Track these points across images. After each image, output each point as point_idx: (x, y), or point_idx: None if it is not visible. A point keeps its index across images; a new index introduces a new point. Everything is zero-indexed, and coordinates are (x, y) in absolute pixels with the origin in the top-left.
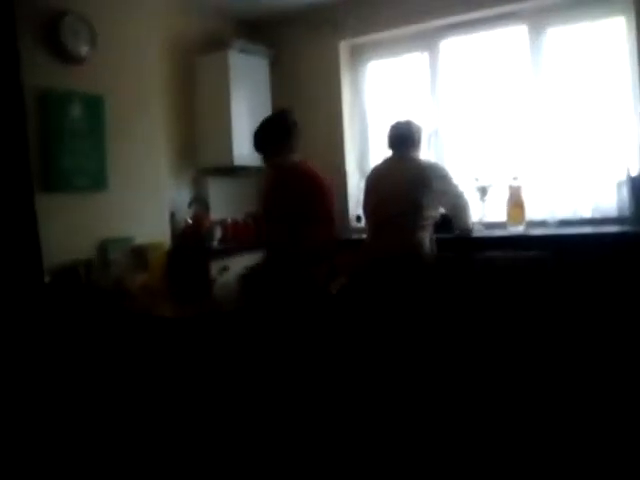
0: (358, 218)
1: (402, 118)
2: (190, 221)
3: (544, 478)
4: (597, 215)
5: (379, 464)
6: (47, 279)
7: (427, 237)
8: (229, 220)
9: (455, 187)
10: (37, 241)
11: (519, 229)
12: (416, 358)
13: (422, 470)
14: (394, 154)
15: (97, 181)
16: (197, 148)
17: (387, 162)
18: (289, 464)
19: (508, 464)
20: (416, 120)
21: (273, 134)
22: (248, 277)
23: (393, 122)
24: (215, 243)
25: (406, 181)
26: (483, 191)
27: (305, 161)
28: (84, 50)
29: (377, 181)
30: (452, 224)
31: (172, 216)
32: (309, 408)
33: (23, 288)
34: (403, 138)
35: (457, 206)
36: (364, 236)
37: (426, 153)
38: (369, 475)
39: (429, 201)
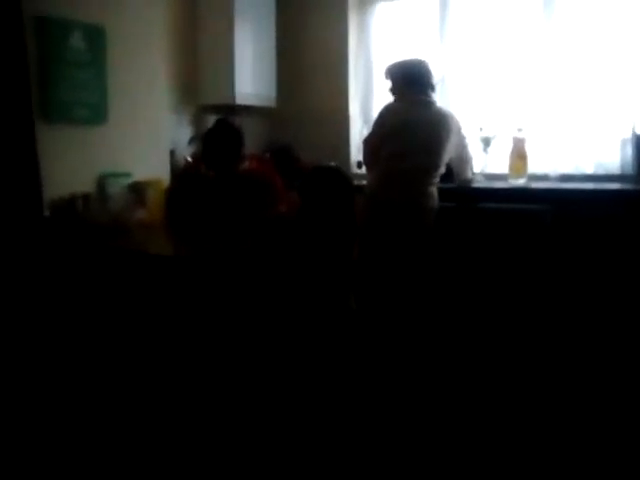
0: (359, 164)
1: (415, 57)
2: (190, 159)
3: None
4: (599, 172)
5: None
6: (45, 212)
7: (435, 189)
8: None
9: (464, 140)
10: (37, 172)
11: (520, 182)
12: (419, 310)
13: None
14: (410, 96)
15: (97, 114)
16: (199, 85)
17: (406, 106)
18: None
19: (504, 435)
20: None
21: (234, 146)
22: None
23: (403, 60)
24: None
25: (429, 134)
26: (487, 141)
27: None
28: None
29: (396, 129)
30: (453, 174)
31: (172, 153)
32: (307, 356)
33: (23, 220)
34: (421, 78)
35: (462, 159)
36: (364, 182)
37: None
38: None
39: (447, 155)
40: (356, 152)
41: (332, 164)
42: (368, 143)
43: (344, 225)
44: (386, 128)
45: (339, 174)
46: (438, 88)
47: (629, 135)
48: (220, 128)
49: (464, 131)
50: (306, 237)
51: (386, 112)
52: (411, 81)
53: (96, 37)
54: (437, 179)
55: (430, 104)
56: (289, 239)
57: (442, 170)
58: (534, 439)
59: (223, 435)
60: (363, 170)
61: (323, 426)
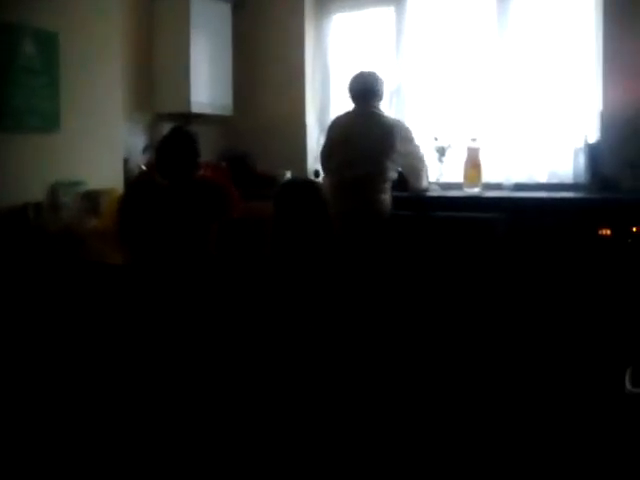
0: (316, 173)
1: (365, 69)
2: (144, 167)
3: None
4: (553, 180)
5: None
6: None
7: (387, 197)
8: None
9: (417, 148)
10: None
11: (475, 190)
12: (369, 312)
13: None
14: (358, 108)
15: (49, 121)
16: (154, 93)
17: (351, 117)
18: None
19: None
20: (378, 72)
21: (189, 154)
22: None
23: (356, 73)
24: None
25: (372, 142)
26: (441, 151)
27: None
28: None
29: (341, 139)
30: (407, 183)
31: (126, 162)
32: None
33: None
34: (367, 90)
35: (415, 168)
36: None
37: (387, 110)
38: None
39: (392, 164)
40: (313, 161)
41: (307, 178)
42: (320, 155)
43: (317, 236)
44: (332, 139)
45: (313, 188)
46: (393, 98)
47: (581, 144)
48: (175, 136)
49: (417, 140)
50: (279, 248)
51: (333, 124)
52: (358, 93)
53: (49, 43)
54: (386, 187)
55: (374, 114)
56: (260, 247)
57: (390, 178)
58: (523, 438)
59: (216, 431)
60: (320, 179)
61: (315, 422)
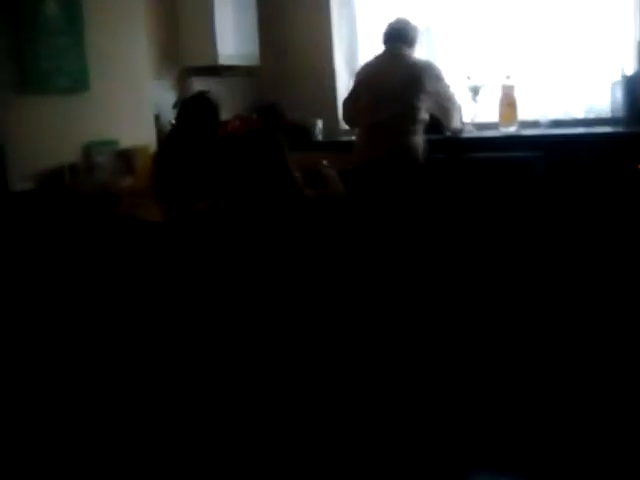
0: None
1: (400, 16)
2: (175, 123)
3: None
4: (590, 115)
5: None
6: (30, 185)
7: (420, 139)
8: None
9: (447, 88)
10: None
11: (511, 129)
12: (409, 263)
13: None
14: (387, 50)
15: (78, 82)
16: (180, 48)
17: (379, 59)
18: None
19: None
20: (412, 19)
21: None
22: None
23: (391, 19)
24: None
25: (400, 82)
26: (475, 90)
27: None
28: None
29: (369, 80)
30: (441, 125)
31: (157, 118)
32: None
33: None
34: (398, 34)
35: (445, 108)
36: (354, 138)
37: (419, 51)
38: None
39: (422, 104)
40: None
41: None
42: (347, 101)
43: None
44: (359, 82)
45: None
46: (424, 38)
47: (618, 77)
48: (194, 105)
49: (446, 80)
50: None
51: (360, 69)
52: (388, 36)
53: (72, 3)
54: (418, 129)
55: (402, 55)
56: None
57: (421, 119)
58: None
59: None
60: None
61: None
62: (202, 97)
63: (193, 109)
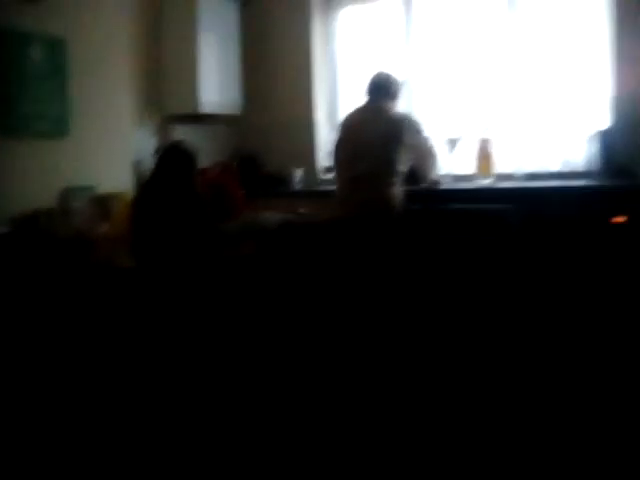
0: (328, 169)
1: (383, 69)
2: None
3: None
4: (566, 169)
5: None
6: (5, 228)
7: (397, 191)
8: None
9: (425, 140)
10: None
11: (487, 182)
12: (386, 313)
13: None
14: (368, 102)
15: (58, 126)
16: (163, 95)
17: (360, 112)
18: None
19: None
20: (395, 73)
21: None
22: None
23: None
24: None
25: (379, 135)
26: (452, 143)
27: None
28: None
29: (350, 133)
30: (418, 176)
31: (138, 164)
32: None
33: None
34: (379, 87)
35: (424, 160)
36: (332, 187)
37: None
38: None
39: (400, 157)
40: (323, 158)
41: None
42: (331, 151)
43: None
44: (341, 135)
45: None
46: (403, 91)
47: (594, 132)
48: (169, 155)
49: (425, 132)
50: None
51: (342, 121)
52: (370, 90)
53: (56, 49)
54: (396, 181)
55: (381, 109)
56: None
57: (399, 172)
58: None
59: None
60: (331, 175)
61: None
62: (176, 148)
63: (168, 159)
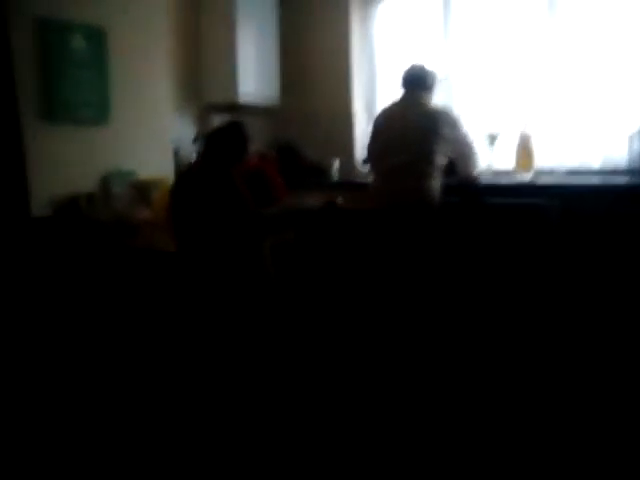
0: (364, 161)
1: (418, 62)
2: (194, 158)
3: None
4: (607, 167)
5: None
6: (48, 211)
7: (436, 183)
8: None
9: (464, 135)
10: (23, 173)
11: (527, 177)
12: (421, 305)
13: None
14: (405, 95)
15: (100, 113)
16: (202, 84)
17: (397, 105)
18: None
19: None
20: (431, 66)
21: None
22: None
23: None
24: None
25: (416, 128)
26: (492, 138)
27: None
28: None
29: (386, 126)
30: (457, 171)
31: (176, 153)
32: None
33: (8, 222)
34: (416, 79)
35: (463, 154)
36: (369, 180)
37: (437, 98)
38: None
39: (438, 148)
40: (361, 149)
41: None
42: (368, 145)
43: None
44: (377, 128)
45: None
46: (441, 86)
47: (636, 129)
48: (229, 127)
49: (464, 127)
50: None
51: (378, 114)
52: (406, 83)
53: (97, 38)
54: (434, 173)
55: (418, 102)
56: None
57: (437, 164)
58: (533, 435)
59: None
60: (367, 167)
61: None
62: (237, 125)
63: (226, 136)
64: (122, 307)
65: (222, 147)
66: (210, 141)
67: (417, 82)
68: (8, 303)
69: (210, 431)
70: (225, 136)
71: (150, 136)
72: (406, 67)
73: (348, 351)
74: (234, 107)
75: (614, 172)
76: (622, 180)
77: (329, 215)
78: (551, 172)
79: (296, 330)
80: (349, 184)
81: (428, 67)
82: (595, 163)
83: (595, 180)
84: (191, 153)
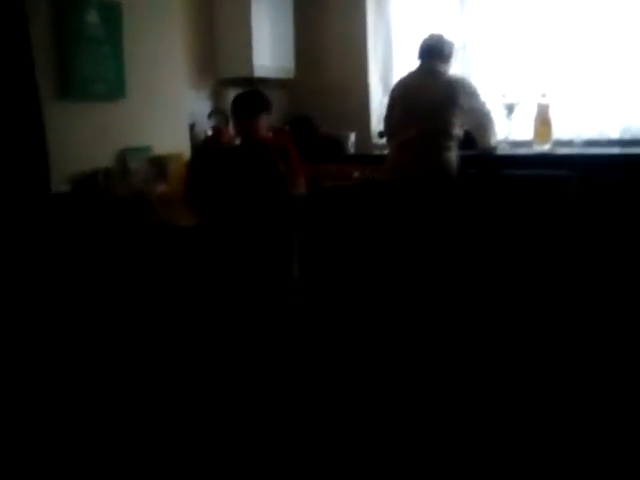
0: (380, 134)
1: (435, 31)
2: (210, 133)
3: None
4: (626, 136)
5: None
6: (66, 187)
7: (453, 155)
8: None
9: (482, 105)
10: (44, 149)
11: (545, 148)
12: (440, 277)
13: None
14: (422, 65)
15: (115, 89)
16: (217, 58)
17: (414, 75)
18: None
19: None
20: (448, 36)
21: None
22: None
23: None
24: None
25: (434, 98)
26: (510, 108)
27: None
28: None
29: (403, 97)
30: (475, 141)
31: (191, 127)
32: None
33: (29, 197)
34: (433, 49)
35: (480, 125)
36: (385, 152)
37: (455, 68)
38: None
39: (456, 119)
40: (376, 122)
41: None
42: (385, 117)
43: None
44: (394, 98)
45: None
46: (459, 56)
47: None
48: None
49: (482, 97)
50: None
51: (395, 84)
52: (423, 52)
53: (112, 13)
54: (451, 144)
55: (436, 72)
56: None
57: (455, 135)
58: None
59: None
60: (384, 140)
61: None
62: (258, 93)
63: (250, 101)
64: (140, 282)
65: (250, 104)
66: (238, 101)
67: (434, 52)
68: (29, 278)
69: (222, 419)
70: (252, 95)
71: (165, 111)
72: (423, 37)
73: (367, 333)
74: (249, 81)
75: (633, 142)
76: None
77: (369, 190)
78: (569, 142)
79: (318, 317)
80: (365, 157)
81: (446, 37)
82: (614, 133)
83: (614, 150)
84: (207, 128)
